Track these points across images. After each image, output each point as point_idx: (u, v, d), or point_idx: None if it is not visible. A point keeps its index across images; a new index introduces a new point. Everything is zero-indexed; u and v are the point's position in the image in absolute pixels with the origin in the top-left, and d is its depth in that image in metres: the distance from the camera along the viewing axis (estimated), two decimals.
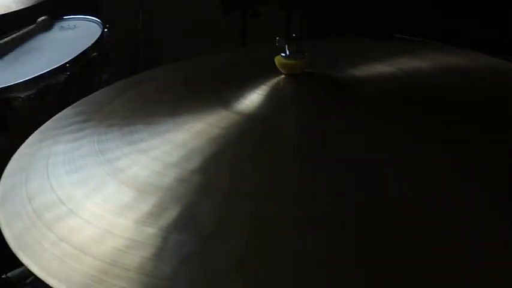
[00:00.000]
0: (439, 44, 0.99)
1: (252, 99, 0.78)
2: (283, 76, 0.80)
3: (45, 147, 0.83)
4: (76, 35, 1.63)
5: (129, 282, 0.58)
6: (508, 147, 0.70)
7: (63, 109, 0.93)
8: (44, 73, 1.40)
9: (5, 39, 1.67)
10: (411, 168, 0.67)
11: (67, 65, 1.43)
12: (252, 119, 0.76)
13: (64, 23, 1.70)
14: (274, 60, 0.80)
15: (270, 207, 0.63)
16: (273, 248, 0.59)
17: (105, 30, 1.58)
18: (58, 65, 1.42)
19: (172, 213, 0.64)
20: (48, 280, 0.60)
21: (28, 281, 0.93)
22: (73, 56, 1.45)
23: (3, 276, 0.93)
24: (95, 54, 1.51)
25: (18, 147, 0.85)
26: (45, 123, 0.90)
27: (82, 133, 0.83)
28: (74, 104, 0.95)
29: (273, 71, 0.80)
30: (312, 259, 0.58)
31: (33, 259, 0.63)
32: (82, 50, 1.48)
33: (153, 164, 0.71)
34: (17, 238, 0.67)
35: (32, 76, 1.39)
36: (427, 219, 0.61)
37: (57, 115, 0.92)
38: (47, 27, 1.32)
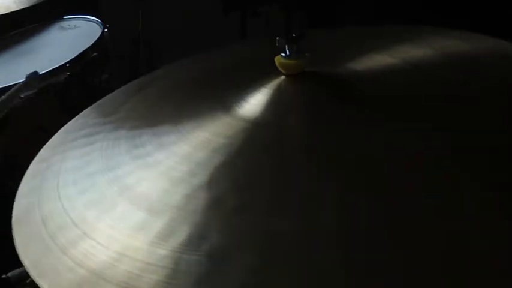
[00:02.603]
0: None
1: (254, 102, 0.78)
2: (283, 77, 0.80)
3: (55, 164, 0.83)
4: (76, 35, 1.63)
5: None
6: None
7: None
8: (44, 73, 1.40)
9: (5, 39, 1.67)
10: (418, 168, 0.66)
11: (67, 65, 1.43)
12: (255, 126, 0.75)
13: (64, 23, 1.70)
14: (274, 60, 0.80)
15: (279, 222, 0.63)
16: (285, 263, 0.59)
17: (105, 30, 1.58)
18: (58, 65, 1.42)
19: (182, 233, 0.64)
20: None
21: (28, 281, 0.92)
22: (73, 56, 1.45)
23: (3, 276, 0.93)
24: (95, 54, 1.50)
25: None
26: (54, 136, 0.91)
27: (89, 147, 0.83)
28: (81, 114, 0.95)
29: (273, 71, 0.80)
30: (324, 274, 0.57)
31: (51, 286, 0.64)
32: (82, 50, 1.47)
33: (160, 180, 0.72)
34: (35, 264, 0.67)
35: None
36: (436, 219, 0.60)
37: (64, 127, 0.93)
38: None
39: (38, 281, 0.65)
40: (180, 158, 0.74)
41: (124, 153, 0.79)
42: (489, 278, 0.55)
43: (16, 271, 0.93)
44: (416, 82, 0.81)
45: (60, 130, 0.92)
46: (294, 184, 0.67)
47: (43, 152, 0.88)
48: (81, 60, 1.46)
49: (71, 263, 0.65)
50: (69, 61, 1.43)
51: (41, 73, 1.39)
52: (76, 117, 0.95)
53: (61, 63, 1.42)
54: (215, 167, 0.71)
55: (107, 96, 0.99)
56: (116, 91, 1.01)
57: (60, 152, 0.86)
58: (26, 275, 0.83)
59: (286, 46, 0.79)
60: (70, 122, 0.94)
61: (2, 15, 1.62)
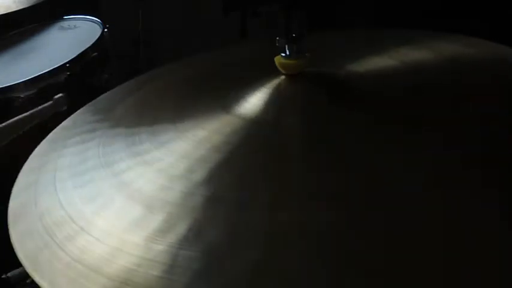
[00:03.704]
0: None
1: (254, 101, 0.78)
2: (283, 77, 0.80)
3: (52, 160, 0.83)
4: (76, 35, 1.63)
5: None
6: None
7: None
8: (44, 73, 1.40)
9: (5, 39, 1.67)
10: (416, 168, 0.67)
11: (67, 65, 1.43)
12: (254, 124, 0.75)
13: (64, 23, 1.70)
14: (274, 60, 0.80)
15: (277, 217, 0.63)
16: (283, 259, 0.59)
17: (105, 30, 1.58)
18: (58, 65, 1.42)
19: (180, 229, 0.64)
20: None
21: (28, 281, 0.93)
22: (73, 56, 1.45)
23: (3, 276, 0.93)
24: (95, 54, 1.50)
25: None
26: (51, 133, 0.91)
27: (87, 144, 0.83)
28: (78, 111, 0.95)
29: (273, 71, 0.80)
30: (322, 270, 0.57)
31: (47, 281, 0.64)
32: (82, 50, 1.47)
33: (158, 176, 0.71)
34: (31, 259, 0.67)
35: (32, 76, 1.39)
36: (432, 220, 0.60)
37: (62, 124, 0.93)
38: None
39: (34, 276, 0.65)
40: (178, 156, 0.74)
41: (122, 150, 0.79)
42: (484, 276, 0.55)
43: (16, 271, 0.93)
44: (415, 83, 0.82)
45: (58, 127, 0.92)
46: (293, 181, 0.68)
47: (40, 148, 0.88)
48: (81, 60, 1.46)
49: (67, 258, 0.65)
50: (69, 61, 1.43)
51: (41, 73, 1.39)
52: (73, 114, 0.95)
53: (61, 63, 1.42)
54: (214, 164, 0.71)
55: (104, 94, 0.99)
56: (112, 90, 1.01)
57: (57, 149, 0.85)
58: (26, 275, 0.83)
59: (286, 46, 0.79)
60: (68, 119, 0.94)
61: (2, 15, 1.62)
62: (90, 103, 0.97)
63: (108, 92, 1.00)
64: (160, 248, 0.62)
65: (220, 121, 0.77)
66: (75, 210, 0.71)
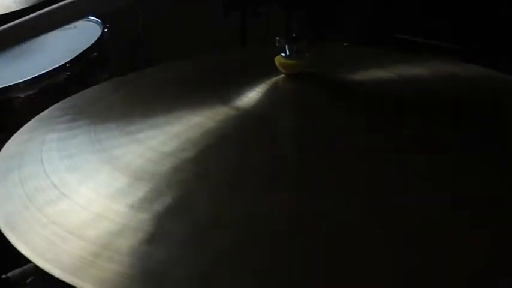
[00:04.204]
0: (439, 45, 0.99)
1: (251, 96, 0.78)
2: (282, 75, 0.80)
3: (40, 134, 0.83)
4: (76, 35, 1.63)
5: (122, 265, 0.58)
6: (502, 148, 0.71)
7: None
8: (44, 73, 1.40)
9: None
10: (408, 168, 0.67)
11: (67, 65, 1.43)
12: (249, 115, 0.76)
13: None
14: (274, 60, 0.80)
15: (262, 198, 0.64)
16: (264, 237, 0.60)
17: (105, 30, 1.58)
18: (58, 65, 1.42)
19: (167, 200, 0.64)
20: (38, 262, 0.60)
21: (28, 281, 0.93)
22: (73, 56, 1.45)
23: (3, 276, 0.93)
24: (95, 54, 1.50)
25: None
26: (41, 113, 0.90)
27: (78, 122, 0.83)
28: (71, 97, 0.95)
29: (273, 71, 0.81)
30: (305, 251, 0.58)
31: (23, 240, 0.63)
32: (82, 50, 1.47)
33: (148, 153, 0.72)
34: (7, 220, 0.67)
35: (32, 76, 1.39)
36: (425, 220, 0.61)
37: (53, 106, 0.92)
38: None
39: (10, 237, 0.64)
40: (171, 136, 0.74)
41: (114, 128, 0.79)
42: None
43: (16, 271, 0.93)
44: (410, 92, 0.84)
45: (49, 108, 0.92)
46: (281, 165, 0.68)
47: (31, 123, 0.87)
48: (81, 60, 1.46)
49: (45, 220, 0.65)
50: (69, 61, 1.43)
51: (41, 73, 1.39)
52: (67, 98, 0.95)
53: (61, 63, 1.42)
54: (205, 145, 0.72)
55: (101, 84, 1.00)
56: (109, 81, 1.01)
57: (47, 125, 0.85)
58: (26, 275, 0.83)
59: (286, 46, 0.79)
60: (60, 102, 0.93)
61: (2, 15, 1.62)
62: (81, 92, 0.97)
63: (99, 84, 1.01)
64: (145, 216, 0.62)
65: (216, 110, 0.78)
66: (58, 177, 0.71)
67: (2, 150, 0.82)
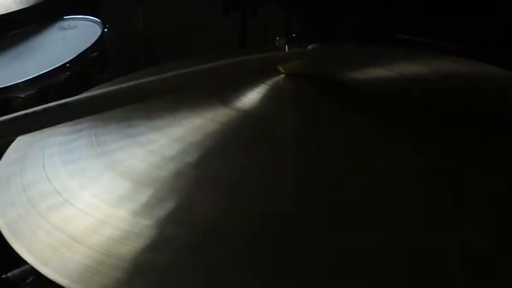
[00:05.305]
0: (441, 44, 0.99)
1: (251, 97, 0.78)
2: (283, 75, 0.80)
3: (42, 138, 0.83)
4: (76, 35, 1.63)
5: (125, 272, 0.58)
6: (502, 146, 0.71)
7: None
8: (44, 73, 1.39)
9: (5, 39, 1.67)
10: (408, 167, 0.67)
11: (67, 65, 1.42)
12: (251, 116, 0.76)
13: (64, 23, 1.70)
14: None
15: (265, 202, 0.63)
16: (267, 241, 0.59)
17: (105, 30, 1.58)
18: (58, 65, 1.42)
19: (169, 205, 0.64)
20: (42, 269, 0.60)
21: (28, 281, 0.93)
22: (73, 56, 1.45)
23: (3, 276, 0.93)
24: (95, 54, 1.50)
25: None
26: None
27: (79, 126, 0.83)
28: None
29: (273, 71, 0.81)
30: (308, 253, 0.58)
31: (26, 247, 0.63)
32: (82, 50, 1.47)
33: (150, 157, 0.71)
34: (11, 226, 0.67)
35: (32, 76, 1.39)
36: (425, 220, 0.61)
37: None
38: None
39: (13, 243, 0.64)
40: (172, 139, 0.74)
41: (115, 131, 0.79)
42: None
43: (16, 271, 0.93)
44: (411, 90, 0.84)
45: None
46: (284, 168, 0.68)
47: None
48: (81, 60, 1.46)
49: (49, 226, 0.65)
50: (69, 61, 1.43)
51: (41, 73, 1.39)
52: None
53: (61, 63, 1.42)
54: (207, 148, 0.72)
55: (101, 85, 1.00)
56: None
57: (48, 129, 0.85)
58: (26, 275, 0.83)
59: (286, 46, 0.79)
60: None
61: (2, 15, 1.62)
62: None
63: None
64: (147, 222, 0.62)
65: (217, 112, 0.77)
66: (61, 183, 0.71)
67: (4, 155, 0.82)
